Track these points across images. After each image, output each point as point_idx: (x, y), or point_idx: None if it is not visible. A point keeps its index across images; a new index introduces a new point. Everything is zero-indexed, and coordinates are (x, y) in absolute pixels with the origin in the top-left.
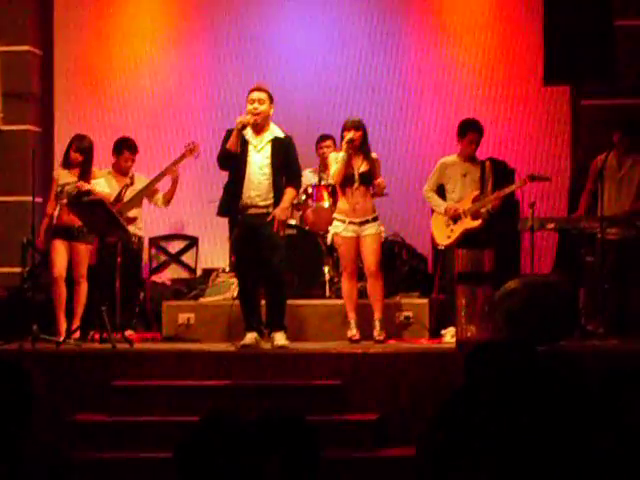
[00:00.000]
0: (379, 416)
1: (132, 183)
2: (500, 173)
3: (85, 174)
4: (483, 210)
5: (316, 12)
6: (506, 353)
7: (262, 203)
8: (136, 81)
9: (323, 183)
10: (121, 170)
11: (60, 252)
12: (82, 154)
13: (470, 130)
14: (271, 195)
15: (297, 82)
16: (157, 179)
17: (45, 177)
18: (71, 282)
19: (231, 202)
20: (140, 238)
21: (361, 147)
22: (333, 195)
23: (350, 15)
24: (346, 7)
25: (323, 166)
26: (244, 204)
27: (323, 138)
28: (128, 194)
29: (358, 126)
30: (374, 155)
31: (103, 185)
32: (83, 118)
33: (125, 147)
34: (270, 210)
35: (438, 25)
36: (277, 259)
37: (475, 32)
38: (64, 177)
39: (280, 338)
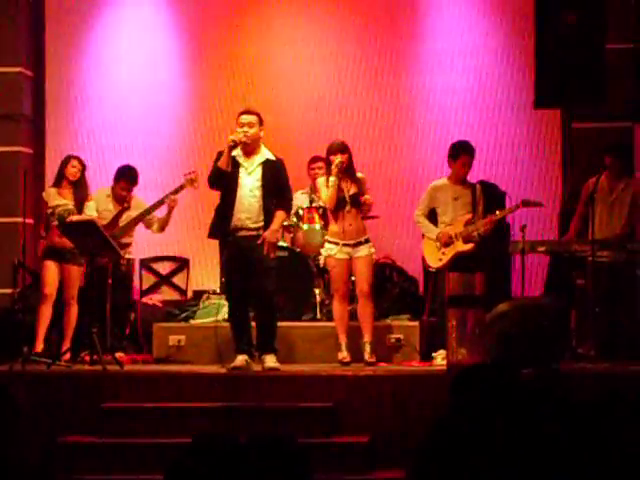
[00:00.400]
0: (370, 438)
1: (129, 207)
2: (491, 196)
3: (81, 194)
4: (475, 234)
5: (308, 36)
6: (489, 376)
7: (252, 225)
8: (128, 103)
9: (314, 205)
10: (116, 196)
11: (52, 272)
12: (82, 167)
13: (463, 152)
14: (261, 218)
15: (288, 104)
16: (155, 207)
17: (36, 198)
18: (61, 304)
19: (221, 224)
20: (129, 260)
21: (348, 169)
22: (324, 217)
23: (342, 39)
24: (338, 31)
25: (314, 188)
26: (234, 226)
27: (314, 160)
28: (124, 218)
29: (344, 149)
30: (360, 175)
31: (92, 209)
32: (75, 140)
33: (122, 177)
34: (260, 232)
35: (430, 49)
36: (268, 282)
37: (467, 56)
38: (55, 198)
39: (270, 360)
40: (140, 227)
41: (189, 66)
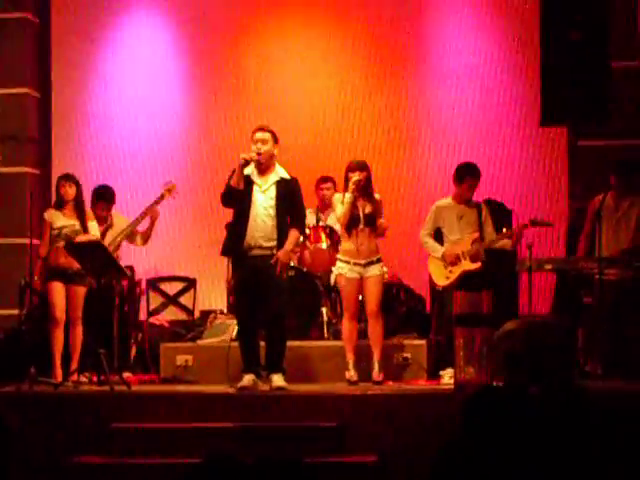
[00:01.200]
0: (378, 458)
1: (112, 226)
2: (498, 215)
3: (83, 213)
4: (482, 253)
5: (315, 52)
6: (501, 398)
7: (266, 244)
8: (134, 124)
9: (321, 224)
10: (97, 217)
11: (59, 294)
12: (74, 185)
13: (468, 176)
14: (275, 236)
15: (295, 123)
16: (138, 221)
17: (43, 219)
18: (66, 324)
19: (235, 242)
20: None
21: (366, 188)
22: (331, 236)
23: (346, 57)
24: (345, 49)
25: (322, 207)
26: (248, 245)
27: (324, 180)
28: (108, 237)
29: (363, 167)
30: (377, 196)
31: (95, 228)
32: (81, 161)
33: (100, 198)
34: (274, 252)
35: (436, 67)
36: (279, 301)
37: (472, 74)
38: (59, 219)
39: (278, 380)
40: (147, 249)
41: (193, 84)
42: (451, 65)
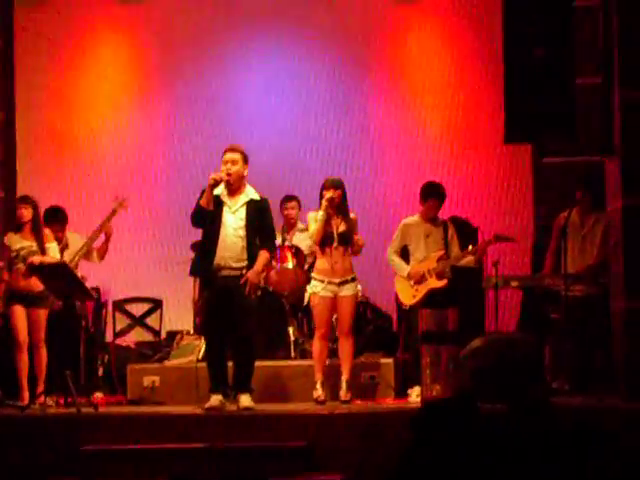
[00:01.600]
0: (345, 477)
1: (67, 246)
2: (463, 232)
3: (40, 235)
4: (447, 270)
5: (282, 72)
6: (450, 409)
7: (235, 265)
8: (99, 145)
9: (287, 244)
10: (54, 237)
11: (21, 318)
12: (31, 207)
13: (431, 197)
14: (245, 257)
15: (260, 143)
16: (93, 238)
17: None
18: (29, 347)
19: (204, 262)
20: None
21: (340, 206)
22: (297, 255)
23: (314, 76)
24: (311, 67)
25: (287, 226)
26: (218, 265)
27: (288, 199)
28: (65, 257)
29: (338, 185)
30: (352, 215)
31: (55, 250)
32: (46, 182)
33: (54, 219)
34: (243, 272)
35: (399, 85)
36: (248, 322)
37: (436, 91)
38: (17, 242)
39: (245, 400)
40: (112, 269)
41: (155, 102)
42: (415, 83)
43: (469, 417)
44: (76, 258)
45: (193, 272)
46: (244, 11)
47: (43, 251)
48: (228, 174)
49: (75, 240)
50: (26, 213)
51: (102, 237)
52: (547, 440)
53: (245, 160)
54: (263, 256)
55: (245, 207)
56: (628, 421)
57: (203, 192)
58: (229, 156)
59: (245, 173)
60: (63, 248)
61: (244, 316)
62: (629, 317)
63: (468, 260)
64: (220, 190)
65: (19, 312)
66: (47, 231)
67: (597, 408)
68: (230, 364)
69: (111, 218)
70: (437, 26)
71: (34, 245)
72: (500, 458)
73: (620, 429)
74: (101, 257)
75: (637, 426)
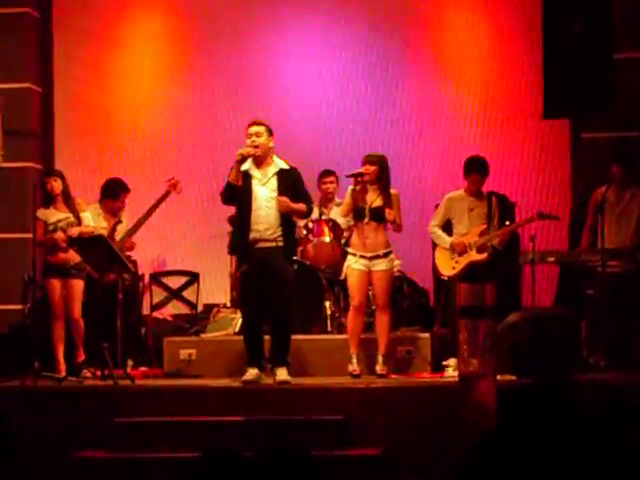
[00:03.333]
0: (382, 451)
1: (120, 221)
2: (501, 206)
3: (73, 205)
4: (489, 244)
5: (316, 47)
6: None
7: (271, 236)
8: (136, 118)
9: (324, 217)
10: (112, 211)
11: (57, 291)
12: (59, 179)
13: (473, 171)
14: (280, 228)
15: (296, 118)
16: (147, 216)
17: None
18: (66, 319)
19: (240, 238)
20: (134, 274)
21: (377, 182)
22: (334, 230)
23: (347, 50)
24: (345, 42)
25: (324, 201)
26: (253, 238)
27: (326, 174)
28: (119, 232)
29: (373, 161)
30: (393, 191)
31: (89, 219)
32: (84, 155)
33: (122, 189)
34: (279, 244)
35: (437, 59)
36: (284, 295)
37: (474, 66)
38: (52, 215)
39: (282, 373)
40: (148, 243)
41: (192, 80)
42: (452, 58)
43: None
44: (126, 237)
45: (232, 250)
46: None
47: (79, 221)
48: (255, 146)
49: (126, 219)
50: (56, 185)
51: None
52: (565, 417)
53: (270, 132)
54: (300, 205)
55: (276, 177)
56: None
57: (231, 169)
58: (254, 129)
59: (271, 144)
60: (117, 223)
61: (280, 289)
62: None
63: (492, 238)
64: (248, 165)
65: (55, 285)
66: (79, 200)
67: (632, 384)
68: (267, 338)
69: (163, 200)
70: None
71: (70, 216)
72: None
73: None
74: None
75: None
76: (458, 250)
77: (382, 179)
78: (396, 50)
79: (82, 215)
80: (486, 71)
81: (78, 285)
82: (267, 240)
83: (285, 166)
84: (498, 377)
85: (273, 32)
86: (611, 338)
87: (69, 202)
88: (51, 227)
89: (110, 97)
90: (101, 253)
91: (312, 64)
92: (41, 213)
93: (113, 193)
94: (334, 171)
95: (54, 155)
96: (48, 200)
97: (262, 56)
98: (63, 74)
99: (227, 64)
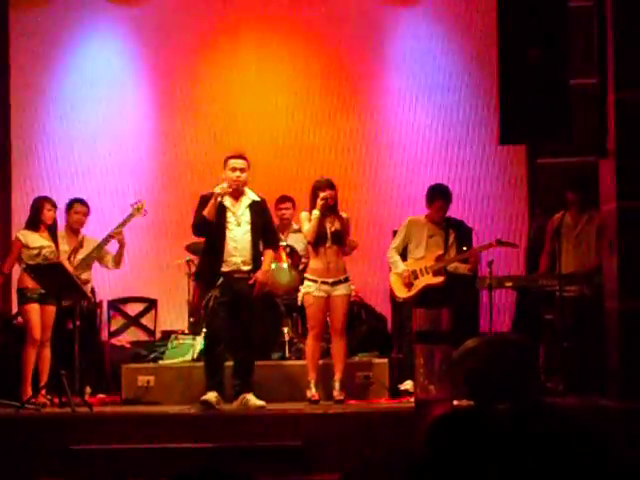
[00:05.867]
0: (340, 477)
1: (81, 246)
2: (458, 232)
3: (56, 237)
4: (461, 270)
5: (276, 74)
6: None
7: (245, 268)
8: (97, 145)
9: (281, 244)
10: (72, 227)
11: (36, 315)
12: (55, 209)
13: (438, 198)
14: (252, 259)
15: (254, 143)
16: (105, 242)
17: (4, 241)
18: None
19: (212, 267)
20: (91, 300)
21: (333, 206)
22: (291, 256)
23: (305, 77)
24: (305, 69)
25: (281, 227)
26: (229, 269)
27: (282, 200)
28: (78, 257)
29: (331, 185)
30: (344, 215)
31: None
32: (41, 181)
33: (76, 201)
34: (251, 274)
35: (395, 86)
36: (252, 323)
37: (431, 92)
38: (36, 240)
39: (254, 398)
40: (103, 269)
41: (152, 104)
42: (410, 84)
43: (492, 423)
44: (87, 259)
45: (200, 278)
46: (237, 14)
47: (58, 252)
48: (237, 182)
49: (90, 244)
50: (52, 215)
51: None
52: (547, 440)
53: (249, 166)
54: (270, 255)
55: (249, 209)
56: (621, 421)
57: (202, 199)
58: (239, 164)
59: (248, 178)
60: (77, 249)
61: (250, 317)
62: (623, 317)
63: (462, 267)
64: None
65: (35, 309)
66: (60, 233)
67: (590, 408)
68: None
69: (127, 222)
70: (431, 25)
71: (52, 245)
72: (504, 459)
73: (613, 429)
74: (117, 263)
75: (630, 426)
76: (404, 282)
77: (336, 204)
78: (353, 77)
79: (60, 249)
80: (443, 98)
81: (51, 311)
82: (241, 272)
83: (256, 197)
84: (455, 402)
85: (231, 59)
86: (569, 363)
87: (54, 234)
88: (34, 252)
89: (68, 123)
90: (58, 279)
91: (270, 91)
92: (23, 234)
93: (68, 206)
94: (291, 197)
95: (11, 182)
96: (36, 225)
97: (220, 82)
98: (19, 103)
99: (187, 90)
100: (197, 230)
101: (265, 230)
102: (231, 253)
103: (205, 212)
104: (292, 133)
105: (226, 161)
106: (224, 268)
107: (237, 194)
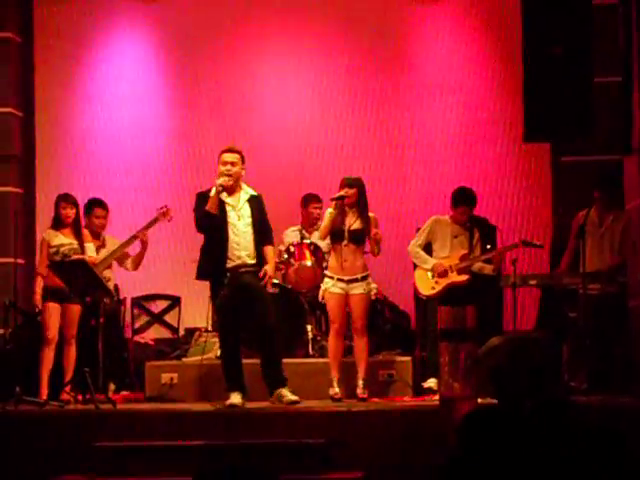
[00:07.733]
0: (363, 474)
1: (103, 245)
2: (481, 230)
3: (80, 234)
4: (485, 271)
5: (300, 71)
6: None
7: (250, 262)
8: (117, 143)
9: (305, 241)
10: (93, 230)
11: (54, 314)
12: (74, 207)
13: (462, 203)
14: (255, 253)
15: (280, 141)
16: (128, 243)
17: (27, 239)
18: (60, 343)
19: (215, 264)
20: (114, 298)
21: (356, 204)
22: (315, 253)
23: (330, 76)
24: (328, 67)
25: (307, 225)
26: (236, 264)
27: (314, 199)
28: (99, 256)
29: (352, 184)
30: (371, 214)
31: (92, 250)
32: (65, 179)
33: (95, 205)
34: (257, 268)
35: (420, 83)
36: (271, 315)
37: (455, 91)
38: (57, 238)
39: (288, 394)
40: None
41: (175, 101)
42: (435, 82)
43: (518, 421)
44: (109, 259)
45: (201, 276)
46: (261, 10)
47: (82, 250)
48: (228, 175)
49: (112, 243)
50: (71, 213)
51: (139, 245)
52: (567, 438)
53: (243, 160)
54: (271, 251)
55: (248, 204)
56: None
57: (198, 198)
58: (229, 157)
59: (243, 173)
60: (100, 247)
61: (267, 308)
62: None
63: (487, 268)
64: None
65: (52, 309)
66: (85, 231)
67: (613, 407)
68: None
69: (151, 226)
70: (456, 23)
71: (75, 243)
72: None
73: (637, 428)
74: (135, 266)
75: None
76: (439, 272)
77: (360, 202)
78: (379, 75)
79: (86, 245)
80: (467, 95)
81: (75, 310)
82: (247, 265)
83: (253, 193)
84: (479, 400)
85: (256, 55)
86: (592, 361)
87: (77, 231)
88: (53, 250)
89: (91, 121)
90: (82, 277)
91: (296, 88)
92: (48, 234)
93: (87, 208)
94: (319, 196)
95: (35, 179)
96: (58, 224)
97: (246, 79)
98: (44, 98)
99: (211, 87)
100: (202, 225)
101: (262, 225)
102: (235, 248)
103: (208, 206)
104: (319, 131)
105: (219, 156)
106: (229, 264)
107: (234, 189)
